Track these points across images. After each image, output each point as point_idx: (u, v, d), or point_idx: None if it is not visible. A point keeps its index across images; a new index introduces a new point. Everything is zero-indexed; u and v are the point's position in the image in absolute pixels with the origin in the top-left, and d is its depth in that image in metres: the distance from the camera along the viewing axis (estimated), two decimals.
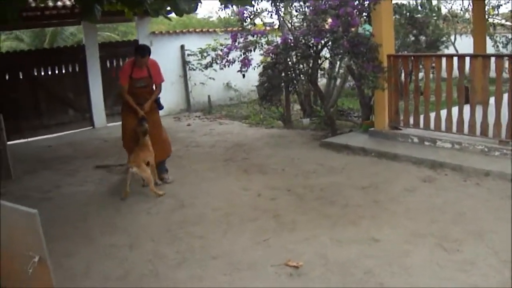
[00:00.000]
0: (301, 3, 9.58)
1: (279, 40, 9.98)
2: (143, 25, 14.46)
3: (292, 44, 9.53)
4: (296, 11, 10.11)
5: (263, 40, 10.09)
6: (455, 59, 8.35)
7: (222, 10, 10.11)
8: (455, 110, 8.30)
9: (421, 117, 8.83)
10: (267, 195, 7.10)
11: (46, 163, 10.07)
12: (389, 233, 5.43)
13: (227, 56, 10.18)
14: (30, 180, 8.86)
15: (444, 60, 8.50)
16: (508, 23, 18.61)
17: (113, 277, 5.02)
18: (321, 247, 5.24)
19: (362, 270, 4.68)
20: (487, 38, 13.30)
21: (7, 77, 12.71)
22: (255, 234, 5.74)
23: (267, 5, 10.39)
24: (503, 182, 6.76)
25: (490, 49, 14.35)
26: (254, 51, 9.93)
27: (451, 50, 14.96)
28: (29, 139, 12.81)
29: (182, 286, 4.76)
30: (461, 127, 8.20)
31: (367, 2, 9.04)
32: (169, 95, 14.71)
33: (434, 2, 12.55)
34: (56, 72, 13.44)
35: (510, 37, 17.37)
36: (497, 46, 16.73)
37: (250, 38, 9.92)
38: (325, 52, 10.10)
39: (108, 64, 13.80)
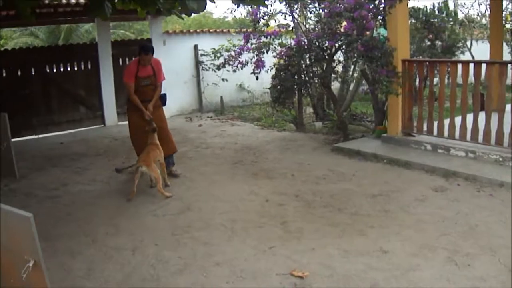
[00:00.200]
0: (316, 5, 9.44)
1: (292, 42, 9.87)
2: (157, 24, 14.39)
3: (305, 47, 9.43)
4: (311, 12, 9.98)
5: (277, 42, 9.99)
6: (471, 65, 8.17)
7: (235, 10, 10.03)
8: (470, 117, 8.12)
9: (435, 124, 8.65)
10: (275, 200, 6.95)
11: (55, 160, 10.06)
12: (398, 245, 5.25)
13: (239, 57, 10.08)
14: (37, 177, 8.83)
15: (460, 66, 8.32)
16: None
17: (113, 280, 4.91)
18: (327, 257, 5.09)
19: (368, 284, 4.53)
20: (504, 44, 13.10)
21: (19, 73, 12.73)
22: (261, 241, 5.60)
23: (281, 7, 10.30)
24: None
25: (506, 55, 14.15)
26: (267, 52, 9.83)
27: (467, 56, 14.79)
28: (40, 136, 12.88)
29: None
30: (476, 135, 8.02)
31: (383, 5, 8.90)
32: (182, 95, 14.74)
33: (451, 7, 12.43)
34: (68, 69, 13.46)
35: None
36: None
37: (263, 39, 9.82)
38: (339, 56, 9.97)
39: (120, 62, 13.73)
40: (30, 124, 12.77)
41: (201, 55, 14.98)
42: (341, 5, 8.79)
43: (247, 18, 10.29)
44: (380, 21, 9.71)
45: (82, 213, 6.88)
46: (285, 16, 10.35)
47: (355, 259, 4.99)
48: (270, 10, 9.97)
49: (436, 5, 10.86)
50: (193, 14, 6.77)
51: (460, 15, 15.26)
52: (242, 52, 10.08)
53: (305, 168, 8.48)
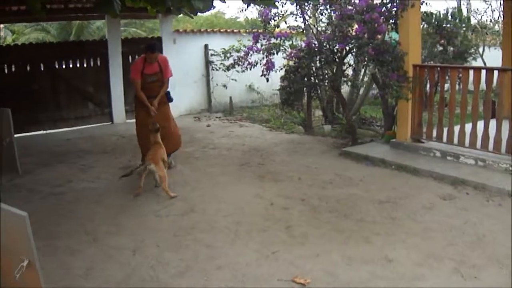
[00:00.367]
0: (327, 7, 9.35)
1: (303, 44, 9.78)
2: (167, 23, 14.39)
3: (316, 49, 9.35)
4: (322, 14, 9.90)
5: (287, 44, 9.91)
6: (483, 72, 8.06)
7: (245, 9, 9.98)
8: (480, 124, 7.99)
9: (445, 130, 8.52)
10: (280, 204, 6.86)
11: (61, 156, 10.07)
12: (404, 253, 5.15)
13: (249, 57, 10.02)
14: (43, 173, 8.84)
15: (471, 72, 8.20)
16: None
17: (112, 281, 4.85)
18: (331, 264, 4.99)
19: None
20: None
21: (28, 68, 12.76)
22: (264, 245, 5.51)
23: (292, 8, 10.23)
24: None
25: None
26: (277, 54, 9.76)
27: (479, 62, 14.65)
28: (48, 131, 12.91)
29: None
30: (486, 143, 7.89)
31: (395, 9, 8.80)
32: (191, 94, 14.76)
33: (464, 13, 12.28)
34: (78, 65, 13.46)
35: None
36: None
37: (273, 40, 9.75)
38: (350, 59, 9.87)
39: (130, 60, 13.66)
40: (38, 119, 12.81)
41: (211, 55, 14.96)
42: (352, 8, 8.70)
43: (259, 18, 10.21)
44: (392, 25, 9.62)
45: (85, 211, 6.85)
46: (296, 18, 10.27)
47: (359, 267, 4.89)
48: (281, 11, 9.88)
49: (449, 10, 10.73)
50: (205, 14, 6.72)
51: (473, 21, 15.10)
52: (251, 52, 10.00)
53: (312, 172, 8.39)
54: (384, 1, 8.87)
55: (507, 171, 7.42)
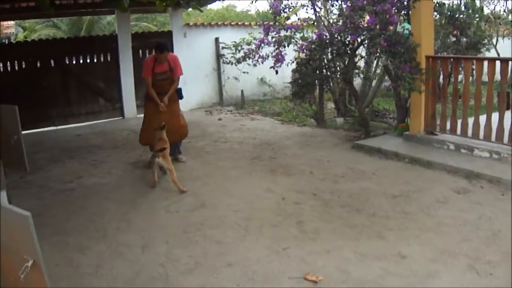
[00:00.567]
0: None
1: (314, 36, 9.69)
2: (177, 17, 14.35)
3: (327, 41, 9.25)
4: (333, 6, 9.80)
5: (298, 36, 9.82)
6: (498, 62, 7.92)
7: (255, 1, 9.91)
8: (495, 116, 7.85)
9: (459, 122, 8.39)
10: (292, 198, 6.78)
11: (72, 152, 10.06)
12: (417, 249, 5.04)
13: (260, 50, 9.96)
14: (53, 169, 8.87)
15: (485, 63, 8.06)
16: None
17: (121, 278, 4.81)
18: (343, 261, 4.90)
19: None
20: None
21: (38, 64, 12.77)
22: (275, 241, 5.43)
23: (303, 0, 10.13)
24: None
25: None
26: (288, 46, 9.68)
27: (492, 53, 14.47)
28: (59, 127, 12.92)
29: None
30: (501, 135, 7.75)
31: None
32: (202, 88, 14.73)
33: (477, 3, 12.09)
34: (88, 61, 13.46)
35: None
36: None
37: (283, 32, 9.67)
38: (361, 51, 9.76)
39: (140, 55, 13.64)
40: (49, 115, 12.83)
41: (222, 48, 14.87)
42: None
43: (269, 11, 10.14)
44: (404, 15, 9.51)
45: (95, 207, 6.82)
46: (306, 10, 10.17)
47: (371, 263, 4.80)
48: (292, 3, 9.79)
49: (462, 1, 10.58)
50: (216, 8, 6.67)
51: (486, 11, 14.89)
52: (261, 45, 9.93)
53: (324, 165, 8.30)
54: None
55: None
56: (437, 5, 9.74)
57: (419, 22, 8.60)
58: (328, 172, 7.91)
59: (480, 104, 8.14)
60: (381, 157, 8.47)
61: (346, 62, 9.56)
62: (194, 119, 12.94)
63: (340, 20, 9.27)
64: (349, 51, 9.37)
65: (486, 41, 12.16)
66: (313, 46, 9.38)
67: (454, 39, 10.27)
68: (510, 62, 7.87)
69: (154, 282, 4.70)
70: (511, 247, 4.92)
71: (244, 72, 13.44)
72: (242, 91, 15.09)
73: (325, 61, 9.61)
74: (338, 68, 9.75)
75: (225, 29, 15.43)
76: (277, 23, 9.77)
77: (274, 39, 9.78)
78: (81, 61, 13.40)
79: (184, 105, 13.91)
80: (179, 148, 9.00)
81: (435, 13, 9.59)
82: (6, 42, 15.47)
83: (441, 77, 9.16)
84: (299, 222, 5.94)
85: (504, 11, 17.43)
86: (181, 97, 9.02)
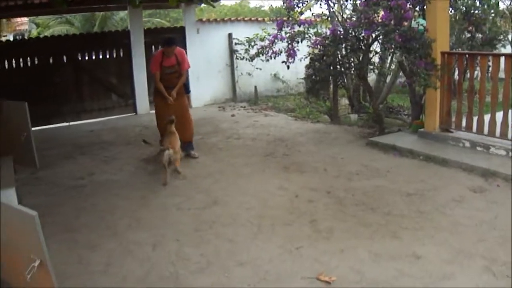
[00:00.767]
0: None
1: (327, 31, 9.60)
2: (190, 12, 14.23)
3: (341, 36, 9.15)
4: (347, 1, 9.71)
5: (312, 31, 9.73)
6: None
7: None
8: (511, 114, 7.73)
9: (474, 119, 8.26)
10: (305, 196, 6.70)
11: (84, 148, 10.06)
12: (433, 250, 4.95)
13: (273, 46, 9.88)
14: (65, 165, 8.87)
15: (502, 59, 7.93)
16: None
17: (132, 277, 4.77)
18: (357, 261, 4.82)
19: None
20: None
21: (51, 61, 12.77)
22: (288, 240, 5.36)
23: None
24: None
25: None
26: (302, 42, 9.60)
27: (508, 49, 14.29)
28: (71, 123, 12.92)
29: None
30: None
31: None
32: (215, 84, 14.66)
33: None
34: (100, 57, 13.46)
35: None
36: None
37: (297, 28, 9.59)
38: (376, 46, 9.66)
39: (153, 50, 13.51)
40: (61, 111, 12.81)
41: (235, 43, 14.75)
42: None
43: (283, 6, 10.05)
44: (419, 11, 9.39)
45: (106, 204, 6.80)
46: (320, 5, 10.07)
47: (386, 264, 4.72)
48: None
49: None
50: (229, 3, 6.63)
51: (502, 6, 14.70)
52: (275, 40, 9.85)
53: (338, 163, 8.22)
54: None
55: None
56: (453, 0, 9.61)
57: (434, 17, 8.48)
58: (342, 169, 7.83)
59: (496, 101, 8.01)
60: (395, 155, 8.37)
61: (360, 58, 9.45)
62: (207, 115, 12.91)
63: (354, 16, 9.17)
64: (363, 47, 9.27)
65: (501, 37, 12.00)
66: (327, 41, 9.30)
67: (469, 35, 10.14)
68: None
69: (164, 281, 4.65)
70: None
71: (257, 68, 13.35)
72: (255, 87, 15.00)
73: (339, 57, 9.51)
74: (352, 63, 9.65)
75: (238, 24, 15.32)
76: (290, 18, 9.66)
77: (287, 35, 9.68)
78: (93, 57, 13.37)
79: (197, 100, 13.93)
80: (191, 144, 9.09)
81: (450, 8, 9.46)
82: (19, 39, 15.46)
83: (457, 73, 9.03)
84: (312, 220, 5.87)
85: None
86: (188, 91, 9.32)
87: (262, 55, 10.26)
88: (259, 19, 16.14)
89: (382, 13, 8.59)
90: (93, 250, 5.36)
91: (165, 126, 8.36)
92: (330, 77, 10.04)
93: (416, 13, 9.23)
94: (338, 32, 9.20)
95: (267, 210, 6.29)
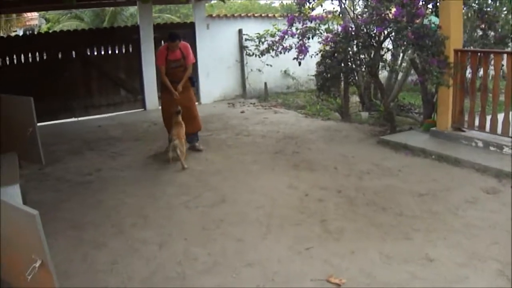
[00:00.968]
0: None
1: (339, 28, 9.51)
2: (200, 8, 14.20)
3: (353, 33, 9.08)
4: None
5: (323, 28, 9.63)
6: None
7: None
8: None
9: (488, 118, 8.12)
10: (315, 195, 6.59)
11: (92, 144, 10.04)
12: (445, 252, 4.83)
13: (283, 41, 9.79)
14: (72, 161, 8.85)
15: None
16: None
17: (137, 277, 4.70)
18: (368, 263, 4.71)
19: None
20: None
21: (60, 56, 12.75)
22: (297, 240, 5.27)
23: None
24: None
25: None
26: (313, 38, 9.50)
27: None
28: (80, 118, 12.88)
29: None
30: None
31: None
32: (225, 80, 14.60)
33: None
34: (109, 52, 13.40)
35: None
36: None
37: (308, 24, 9.49)
38: (388, 43, 9.54)
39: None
40: (70, 106, 12.79)
41: (246, 40, 14.65)
42: None
43: (293, 3, 9.96)
44: (431, 8, 9.27)
45: (113, 201, 6.74)
46: (332, 1, 9.96)
47: (398, 267, 4.61)
48: None
49: None
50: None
51: None
52: (285, 36, 9.76)
53: (349, 161, 8.11)
54: None
55: None
56: None
57: (448, 14, 8.35)
58: (353, 168, 7.72)
59: (510, 101, 7.87)
60: (407, 154, 8.24)
61: (372, 55, 9.35)
62: (217, 111, 12.84)
63: (366, 12, 9.07)
64: (375, 44, 9.17)
65: None
66: (338, 38, 9.22)
67: (481, 33, 9.99)
68: None
69: (171, 282, 4.58)
70: None
71: (267, 65, 13.28)
72: (265, 83, 14.91)
73: (351, 54, 9.45)
74: (363, 60, 9.55)
75: (248, 20, 15.23)
76: (301, 14, 9.56)
77: (298, 31, 9.59)
78: (102, 52, 13.32)
79: (207, 97, 13.88)
80: (197, 135, 9.23)
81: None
82: (28, 34, 15.43)
83: (470, 71, 8.89)
84: (322, 220, 5.77)
85: None
86: (193, 85, 9.41)
87: (272, 50, 10.15)
88: (270, 15, 16.09)
89: (394, 9, 8.47)
90: (99, 248, 5.29)
91: (171, 116, 8.54)
92: (341, 74, 9.95)
93: (427, 11, 9.10)
94: (350, 29, 9.14)
95: (276, 209, 6.19)
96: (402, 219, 5.71)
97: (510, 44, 10.80)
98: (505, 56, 8.28)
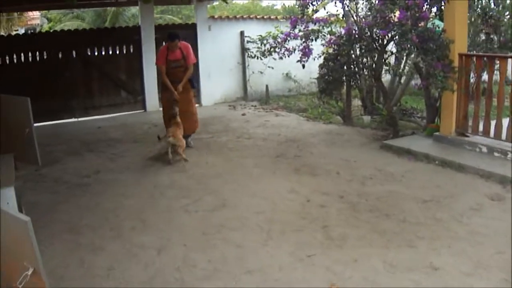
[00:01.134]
0: None
1: (342, 30, 9.44)
2: (202, 9, 14.16)
3: (356, 36, 9.02)
4: None
5: (326, 30, 9.55)
6: None
7: None
8: None
9: (492, 124, 8.02)
10: (317, 201, 6.49)
11: (91, 145, 9.97)
12: (450, 261, 4.73)
13: (286, 43, 9.70)
14: (70, 162, 8.78)
15: None
16: None
17: (135, 282, 4.62)
18: (371, 271, 4.61)
19: None
20: None
21: (60, 56, 12.70)
22: (299, 247, 5.17)
23: None
24: None
25: None
26: (316, 40, 9.43)
27: None
28: (80, 119, 12.82)
29: None
30: None
31: None
32: (227, 82, 14.56)
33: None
34: (110, 52, 13.34)
35: None
36: None
37: (311, 26, 9.42)
38: (391, 47, 9.44)
39: None
40: (70, 107, 12.76)
41: (247, 42, 14.56)
42: None
43: (296, 5, 9.89)
44: (435, 12, 9.19)
45: (111, 203, 6.65)
46: (335, 3, 9.87)
47: (401, 275, 4.51)
48: None
49: None
50: (242, 1, 6.48)
51: None
52: (288, 38, 9.67)
53: (351, 166, 8.01)
54: None
55: None
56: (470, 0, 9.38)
57: (453, 17, 8.26)
58: (355, 173, 7.62)
59: None
60: (410, 159, 8.15)
61: (375, 58, 9.27)
62: (218, 113, 12.78)
63: (370, 15, 8.99)
64: (378, 47, 9.10)
65: None
66: (341, 41, 9.16)
67: (484, 37, 9.90)
68: None
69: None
70: None
71: (269, 67, 13.22)
72: (266, 86, 14.84)
73: (354, 57, 9.38)
74: (366, 64, 9.48)
75: (250, 22, 15.17)
76: (304, 16, 9.47)
77: (301, 33, 9.50)
78: (103, 53, 13.27)
79: (208, 99, 13.83)
80: (189, 135, 9.44)
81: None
82: (29, 33, 15.38)
83: (474, 76, 8.79)
84: (324, 226, 5.67)
85: None
86: (193, 86, 9.46)
87: (275, 52, 10.06)
88: (272, 17, 16.01)
89: (398, 12, 8.38)
90: (96, 252, 5.21)
91: (169, 118, 8.73)
92: (344, 77, 9.86)
93: (431, 15, 9.02)
94: (353, 32, 9.06)
95: (277, 215, 6.09)
96: (405, 226, 5.61)
97: None
98: (510, 60, 8.20)
